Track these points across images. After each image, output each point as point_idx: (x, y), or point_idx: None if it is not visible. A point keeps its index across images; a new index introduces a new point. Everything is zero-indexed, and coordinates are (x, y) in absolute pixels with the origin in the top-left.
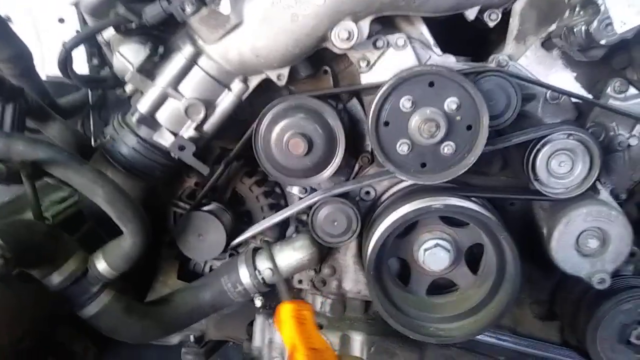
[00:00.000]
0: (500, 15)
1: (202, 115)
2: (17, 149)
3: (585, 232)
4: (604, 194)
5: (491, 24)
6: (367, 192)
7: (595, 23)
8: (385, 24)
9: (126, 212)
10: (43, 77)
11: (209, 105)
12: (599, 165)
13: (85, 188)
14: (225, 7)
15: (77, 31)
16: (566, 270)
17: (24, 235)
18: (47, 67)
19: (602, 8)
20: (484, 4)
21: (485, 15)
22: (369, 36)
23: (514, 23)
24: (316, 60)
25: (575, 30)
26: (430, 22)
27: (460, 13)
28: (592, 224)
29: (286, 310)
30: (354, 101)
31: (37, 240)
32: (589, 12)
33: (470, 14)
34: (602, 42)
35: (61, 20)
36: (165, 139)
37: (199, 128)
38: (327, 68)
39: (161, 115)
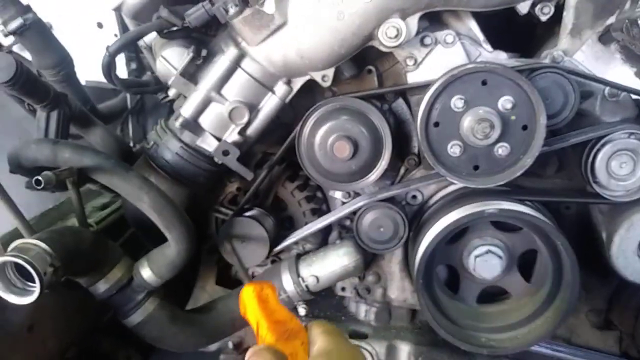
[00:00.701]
0: (553, 9)
1: (245, 119)
2: (64, 156)
3: None
4: None
5: (543, 18)
6: (414, 196)
7: None
8: (432, 20)
9: (171, 220)
10: (82, 82)
11: (253, 109)
12: None
13: (131, 195)
14: (269, 7)
15: (115, 35)
16: (627, 277)
17: (72, 243)
18: (86, 72)
19: None
20: None
21: (537, 9)
22: (417, 33)
23: (569, 16)
24: (360, 60)
25: (639, 22)
26: (480, 17)
27: (511, 7)
28: None
29: (247, 291)
30: (400, 101)
31: (84, 247)
32: None
33: (523, 7)
34: None
35: (100, 25)
36: (208, 144)
37: (242, 132)
38: (372, 67)
39: (205, 120)
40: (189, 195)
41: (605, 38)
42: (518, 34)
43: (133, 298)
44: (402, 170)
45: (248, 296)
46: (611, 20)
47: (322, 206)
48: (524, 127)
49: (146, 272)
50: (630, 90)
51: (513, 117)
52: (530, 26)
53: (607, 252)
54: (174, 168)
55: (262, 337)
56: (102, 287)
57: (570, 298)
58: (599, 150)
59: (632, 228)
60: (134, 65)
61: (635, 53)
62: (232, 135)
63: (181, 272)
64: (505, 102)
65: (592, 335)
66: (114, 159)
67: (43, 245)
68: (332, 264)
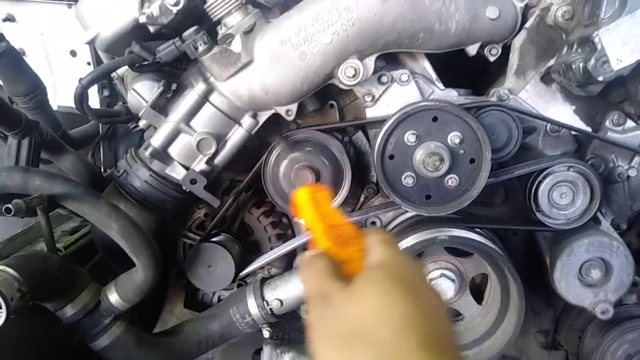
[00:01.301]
0: (500, 50)
1: (213, 149)
2: (34, 184)
3: (587, 262)
4: (605, 224)
5: (492, 59)
6: (373, 222)
7: (592, 60)
8: (389, 60)
9: (139, 246)
10: (55, 107)
11: (220, 140)
12: (599, 196)
13: (100, 222)
14: (236, 46)
15: (89, 63)
16: (569, 300)
17: (40, 268)
18: (58, 98)
19: (599, 46)
20: (484, 40)
21: (486, 50)
22: (374, 72)
23: (514, 58)
24: (323, 95)
25: (573, 67)
26: (432, 57)
27: (461, 49)
28: (594, 254)
29: (301, 194)
30: (360, 134)
31: (52, 273)
32: (586, 49)
33: (472, 49)
34: (600, 78)
35: (73, 53)
36: (177, 173)
37: (210, 162)
38: (334, 102)
39: (174, 150)
40: (157, 221)
41: (546, 78)
42: (475, 70)
43: (100, 322)
44: (362, 198)
45: (302, 198)
46: (552, 62)
47: (287, 231)
48: (472, 161)
49: (113, 297)
50: (569, 127)
51: (461, 151)
52: (486, 63)
53: (550, 276)
54: (142, 195)
55: (316, 241)
56: (69, 311)
57: (517, 320)
58: (541, 181)
59: (573, 254)
60: (106, 93)
61: (574, 93)
62: (199, 164)
63: (148, 295)
64: (454, 137)
65: (541, 355)
66: (84, 187)
67: (10, 270)
68: (295, 288)
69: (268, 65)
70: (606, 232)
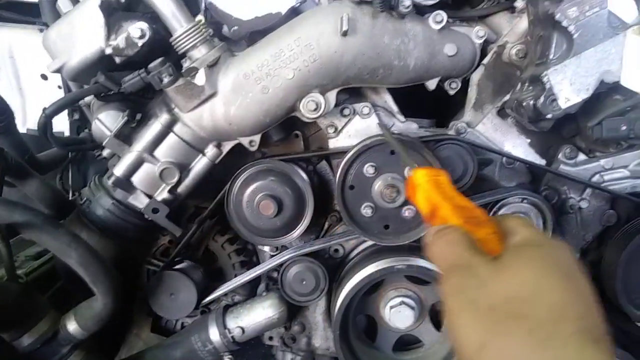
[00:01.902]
0: (460, 85)
1: (176, 178)
2: None
3: None
4: None
5: (452, 92)
6: (336, 250)
7: (542, 99)
8: (352, 93)
9: (98, 275)
10: (23, 130)
11: (183, 169)
12: (551, 227)
13: (59, 251)
14: (200, 79)
15: (59, 87)
16: None
17: None
18: (28, 121)
19: (548, 85)
20: (443, 75)
21: (446, 84)
22: (337, 105)
23: (472, 92)
24: (287, 125)
25: (524, 104)
26: (395, 89)
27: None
28: None
29: (421, 174)
30: (324, 163)
31: (10, 302)
32: (537, 87)
33: (431, 84)
34: (548, 116)
35: (44, 77)
36: (140, 202)
37: (173, 191)
38: (299, 132)
39: (137, 179)
40: (119, 249)
41: (503, 112)
42: (444, 99)
43: (58, 351)
44: (326, 226)
45: (421, 179)
46: (507, 97)
47: (252, 258)
48: None
49: (72, 325)
50: (522, 160)
51: None
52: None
53: None
54: (105, 223)
55: (444, 218)
56: (26, 341)
57: None
58: (496, 212)
59: None
60: (76, 116)
61: (527, 127)
62: (162, 193)
63: (113, 321)
64: (410, 170)
65: None
66: (44, 215)
67: None
68: (257, 315)
69: (231, 98)
70: None
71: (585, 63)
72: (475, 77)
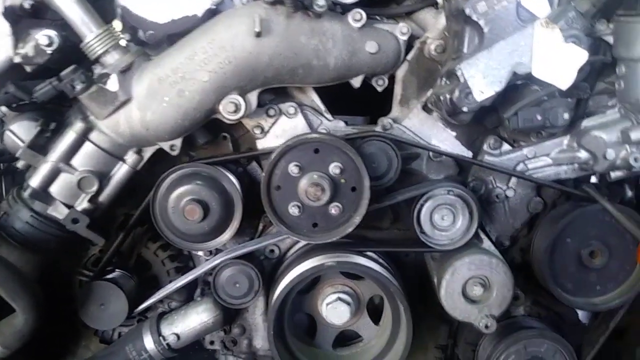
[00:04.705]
0: (386, 81)
1: (95, 187)
2: None
3: (470, 279)
4: (487, 242)
5: (379, 89)
6: (272, 251)
7: (457, 92)
8: (278, 93)
9: (17, 290)
10: None
11: (103, 177)
12: (477, 217)
13: None
14: (113, 85)
15: None
16: (456, 317)
17: None
18: None
19: (462, 79)
20: (367, 73)
21: (374, 81)
22: (262, 105)
23: (397, 88)
24: (214, 127)
25: (441, 98)
26: (324, 88)
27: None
28: (476, 272)
29: None
30: (254, 164)
31: None
32: (453, 82)
33: (355, 82)
34: (464, 109)
35: None
36: (59, 212)
37: (93, 200)
38: (226, 134)
39: (55, 189)
40: (43, 261)
41: (428, 107)
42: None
43: None
44: (260, 227)
45: None
46: (430, 92)
47: (188, 263)
48: (353, 189)
49: None
50: (445, 153)
51: (343, 181)
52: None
53: (438, 294)
54: (24, 237)
55: None
56: None
57: (407, 338)
58: (422, 205)
59: (456, 272)
60: None
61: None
62: (82, 203)
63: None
64: (334, 168)
65: None
66: None
67: None
68: (192, 321)
69: (147, 103)
70: (487, 250)
71: (497, 56)
72: (400, 73)
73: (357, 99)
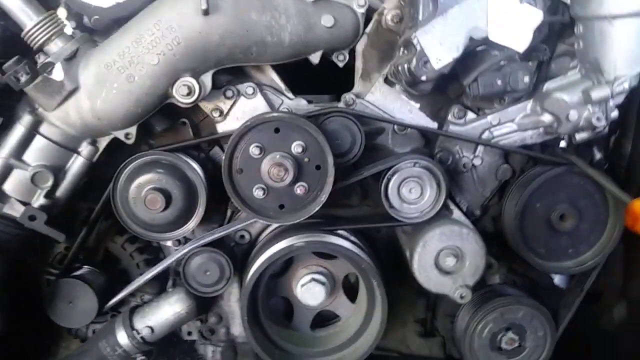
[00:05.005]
0: (347, 56)
1: (50, 182)
2: None
3: (442, 251)
4: (457, 213)
5: (340, 64)
6: (242, 236)
7: (414, 61)
8: (235, 74)
9: None
10: None
11: (58, 172)
12: (445, 188)
13: None
14: (58, 74)
15: None
16: (431, 289)
17: None
18: None
19: (418, 47)
20: (325, 48)
21: (334, 56)
22: (219, 87)
23: (358, 62)
24: (172, 113)
25: (400, 68)
26: (285, 66)
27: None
28: (447, 243)
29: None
30: (217, 149)
31: None
32: (410, 51)
33: (314, 58)
34: (423, 78)
35: None
36: (15, 210)
37: (50, 195)
38: (185, 120)
39: (8, 187)
40: (4, 262)
41: (389, 80)
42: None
43: None
44: (228, 213)
45: None
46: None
47: (158, 255)
48: (318, 167)
49: None
50: (408, 125)
51: (306, 159)
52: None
53: (411, 268)
54: None
55: None
56: None
57: (382, 315)
58: (389, 179)
59: (427, 245)
60: None
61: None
62: (39, 199)
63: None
64: (296, 147)
65: (419, 344)
66: None
67: None
68: (164, 312)
69: (95, 91)
70: (457, 220)
71: (452, 21)
72: (360, 47)
73: (325, 79)
